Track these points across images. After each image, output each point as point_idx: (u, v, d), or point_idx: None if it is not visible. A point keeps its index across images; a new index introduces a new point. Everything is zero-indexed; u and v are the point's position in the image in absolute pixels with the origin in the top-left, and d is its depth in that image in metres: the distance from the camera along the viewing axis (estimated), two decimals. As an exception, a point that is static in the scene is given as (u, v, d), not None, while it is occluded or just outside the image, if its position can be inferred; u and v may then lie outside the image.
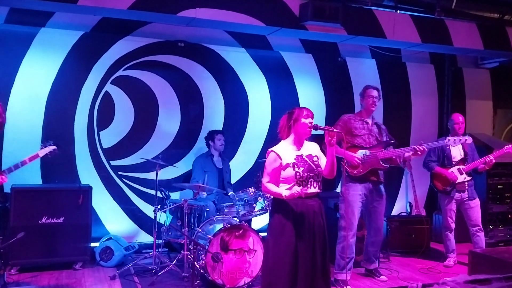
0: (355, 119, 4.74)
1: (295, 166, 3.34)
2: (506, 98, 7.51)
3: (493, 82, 7.57)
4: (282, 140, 3.51)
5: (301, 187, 3.30)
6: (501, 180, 6.41)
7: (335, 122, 4.64)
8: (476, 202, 5.34)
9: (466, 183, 5.30)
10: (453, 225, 5.41)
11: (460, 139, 4.82)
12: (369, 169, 4.60)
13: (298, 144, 3.46)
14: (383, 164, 4.63)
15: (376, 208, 4.73)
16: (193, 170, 5.69)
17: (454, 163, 5.34)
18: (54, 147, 3.94)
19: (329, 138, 3.32)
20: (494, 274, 2.88)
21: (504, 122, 7.65)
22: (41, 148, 3.96)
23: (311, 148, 3.49)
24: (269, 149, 3.45)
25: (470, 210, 5.32)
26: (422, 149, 4.52)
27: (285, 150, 3.41)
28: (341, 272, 4.62)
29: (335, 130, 3.34)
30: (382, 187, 4.75)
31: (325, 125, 3.51)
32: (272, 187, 3.38)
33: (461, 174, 5.29)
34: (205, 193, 5.17)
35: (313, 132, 3.48)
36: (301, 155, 3.40)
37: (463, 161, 5.33)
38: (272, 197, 3.59)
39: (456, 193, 5.32)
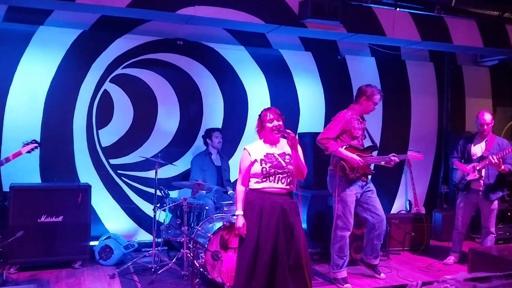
0: (355, 117, 4.67)
1: (263, 162, 3.48)
2: (506, 96, 7.50)
3: (492, 80, 7.56)
4: (258, 139, 3.64)
5: (266, 181, 3.45)
6: (501, 178, 6.40)
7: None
8: (490, 204, 5.17)
9: (481, 181, 5.14)
10: (460, 225, 5.34)
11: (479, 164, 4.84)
12: (362, 172, 4.62)
13: (271, 143, 3.58)
14: (371, 169, 4.72)
15: (371, 198, 4.71)
16: (191, 169, 5.69)
17: (473, 160, 5.22)
18: (36, 144, 4.06)
19: (289, 142, 3.42)
20: (494, 272, 2.87)
21: (503, 120, 7.64)
22: (23, 146, 4.03)
23: (286, 148, 3.56)
24: (244, 147, 3.62)
25: (483, 212, 5.26)
26: (394, 160, 4.59)
27: (257, 148, 3.56)
28: (340, 271, 4.62)
29: (291, 134, 3.39)
30: (369, 179, 4.79)
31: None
32: (239, 196, 3.54)
33: (474, 171, 5.16)
34: (204, 191, 5.16)
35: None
36: (273, 153, 3.52)
37: (481, 158, 5.15)
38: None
39: (470, 192, 5.22)
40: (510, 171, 5.09)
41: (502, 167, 4.97)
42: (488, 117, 5.16)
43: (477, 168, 5.13)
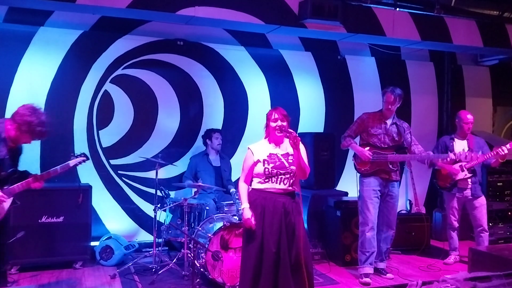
0: (374, 118, 4.81)
1: (266, 162, 3.48)
2: (506, 95, 7.51)
3: (492, 80, 7.57)
4: (263, 138, 3.65)
5: (268, 182, 3.47)
6: (501, 178, 6.40)
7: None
8: (481, 201, 5.23)
9: (469, 180, 5.20)
10: (456, 224, 5.39)
11: (472, 156, 4.84)
12: (376, 168, 4.69)
13: (276, 142, 3.59)
14: (390, 166, 4.72)
15: (388, 203, 4.80)
16: (186, 169, 5.71)
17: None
18: (84, 158, 3.95)
19: (292, 142, 3.42)
20: (494, 272, 2.87)
21: (503, 119, 7.65)
22: (71, 159, 3.95)
23: (289, 148, 3.56)
24: (248, 146, 3.63)
25: (474, 210, 5.27)
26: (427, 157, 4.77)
27: (261, 148, 3.57)
28: (363, 266, 4.72)
29: (293, 133, 3.43)
30: (396, 184, 4.82)
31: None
32: (242, 191, 3.55)
33: (463, 170, 5.20)
34: (194, 197, 5.21)
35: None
36: (276, 154, 3.53)
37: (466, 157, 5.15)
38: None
39: (458, 191, 5.26)
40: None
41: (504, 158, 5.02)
42: (470, 116, 5.30)
43: (466, 167, 5.17)
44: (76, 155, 3.94)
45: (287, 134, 3.45)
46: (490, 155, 5.04)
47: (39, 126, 3.58)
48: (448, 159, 4.70)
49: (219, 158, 5.75)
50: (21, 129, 3.56)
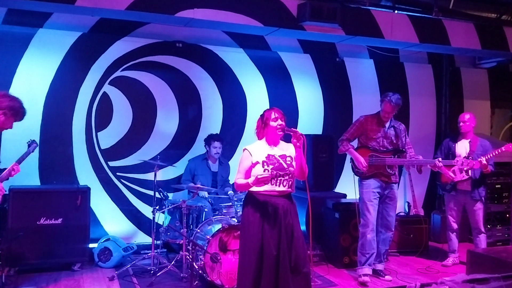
0: (372, 120, 4.82)
1: (265, 163, 3.42)
2: (504, 97, 7.52)
3: (490, 82, 7.58)
4: (258, 140, 3.59)
5: (267, 184, 3.38)
6: (499, 180, 6.42)
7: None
8: (478, 205, 5.23)
9: (465, 182, 5.19)
10: (454, 225, 5.42)
11: (468, 163, 4.94)
12: (374, 172, 4.72)
13: (273, 143, 3.54)
14: (389, 170, 4.75)
15: (388, 204, 4.84)
16: (184, 171, 5.72)
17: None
18: (36, 144, 4.07)
19: (295, 140, 3.39)
20: (492, 274, 2.88)
21: (502, 121, 7.66)
22: (31, 146, 4.06)
23: (286, 148, 3.56)
24: (244, 147, 3.56)
25: (471, 213, 5.30)
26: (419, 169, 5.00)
27: (258, 149, 3.51)
28: (362, 267, 4.75)
29: (299, 132, 3.38)
30: (395, 186, 4.85)
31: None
32: (241, 180, 3.45)
33: (461, 172, 5.21)
34: (206, 193, 5.30)
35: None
36: (274, 155, 3.48)
37: (466, 159, 5.17)
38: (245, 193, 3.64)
39: (457, 193, 5.28)
40: (492, 172, 5.19)
41: (487, 168, 5.03)
42: (467, 116, 5.33)
43: (464, 169, 5.16)
44: (29, 142, 4.06)
45: (291, 133, 3.40)
46: (474, 163, 5.05)
47: (21, 108, 3.75)
48: (440, 164, 4.77)
49: (218, 164, 5.75)
50: (7, 114, 3.68)
